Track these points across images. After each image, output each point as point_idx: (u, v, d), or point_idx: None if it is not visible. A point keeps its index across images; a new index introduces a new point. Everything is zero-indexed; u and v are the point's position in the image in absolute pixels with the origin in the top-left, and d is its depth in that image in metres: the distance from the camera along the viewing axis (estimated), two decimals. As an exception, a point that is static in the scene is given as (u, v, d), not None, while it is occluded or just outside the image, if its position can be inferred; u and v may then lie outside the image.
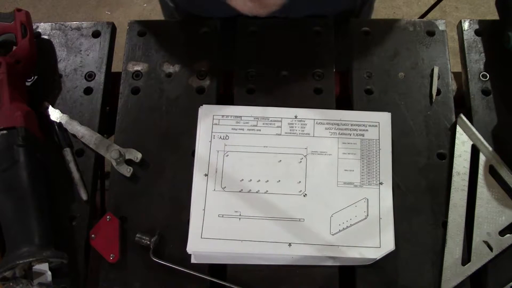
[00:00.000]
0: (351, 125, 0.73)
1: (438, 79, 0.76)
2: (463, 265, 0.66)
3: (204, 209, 0.69)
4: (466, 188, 0.69)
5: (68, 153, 0.73)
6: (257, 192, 0.70)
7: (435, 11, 1.19)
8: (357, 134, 0.73)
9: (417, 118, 0.74)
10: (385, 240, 0.67)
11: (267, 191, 0.70)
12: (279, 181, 0.70)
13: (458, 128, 0.73)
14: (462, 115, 0.73)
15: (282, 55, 0.79)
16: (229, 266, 0.68)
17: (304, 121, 0.74)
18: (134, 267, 0.68)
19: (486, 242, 0.67)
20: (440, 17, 0.86)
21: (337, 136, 0.73)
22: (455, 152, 0.71)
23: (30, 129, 0.70)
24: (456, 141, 0.72)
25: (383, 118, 0.74)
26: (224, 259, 0.68)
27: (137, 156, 0.72)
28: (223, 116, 0.74)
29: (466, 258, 0.67)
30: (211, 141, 0.73)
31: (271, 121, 0.74)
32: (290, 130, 0.73)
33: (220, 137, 0.73)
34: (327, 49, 0.79)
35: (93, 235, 0.68)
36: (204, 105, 0.75)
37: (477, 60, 0.78)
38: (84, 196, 0.71)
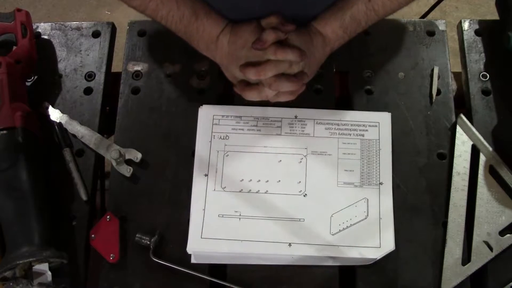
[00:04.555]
0: (351, 125, 0.73)
1: (438, 79, 0.76)
2: (463, 265, 0.66)
3: (204, 209, 0.69)
4: (466, 188, 0.69)
5: (68, 153, 0.73)
6: (257, 192, 0.70)
7: (435, 11, 1.19)
8: (357, 134, 0.73)
9: (417, 118, 0.74)
10: (385, 240, 0.67)
11: (267, 191, 0.70)
12: (279, 181, 0.70)
13: (458, 128, 0.73)
14: (462, 115, 0.73)
15: (282, 55, 0.79)
16: (229, 266, 0.68)
17: (304, 121, 0.74)
18: (134, 267, 0.68)
19: (486, 242, 0.67)
20: (440, 17, 0.86)
21: (337, 136, 0.73)
22: (455, 152, 0.71)
23: (30, 129, 0.70)
24: (456, 141, 0.72)
25: (383, 118, 0.74)
26: (224, 259, 0.68)
27: (137, 156, 0.72)
28: (223, 116, 0.74)
29: (466, 258, 0.67)
30: (211, 141, 0.73)
31: (271, 121, 0.74)
32: (290, 130, 0.73)
33: (220, 137, 0.73)
34: (327, 49, 0.79)
35: (93, 235, 0.68)
36: (204, 105, 0.75)
37: (477, 60, 0.78)
38: (84, 196, 0.71)
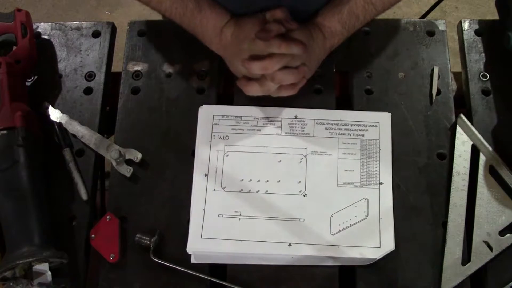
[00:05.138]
0: (351, 125, 0.73)
1: (438, 79, 0.76)
2: (463, 265, 0.66)
3: (204, 209, 0.69)
4: (466, 188, 0.69)
5: (68, 153, 0.73)
6: (257, 192, 0.70)
7: (435, 11, 1.20)
8: (357, 134, 0.73)
9: (417, 118, 0.74)
10: (385, 240, 0.67)
11: (267, 191, 0.70)
12: (279, 181, 0.70)
13: (458, 128, 0.73)
14: (462, 115, 0.73)
15: (282, 55, 0.79)
16: (229, 266, 0.68)
17: (304, 121, 0.74)
18: (134, 267, 0.68)
19: (486, 242, 0.67)
20: (440, 17, 0.86)
21: (337, 136, 0.73)
22: (455, 152, 0.71)
23: (30, 129, 0.70)
24: (456, 141, 0.72)
25: (383, 118, 0.74)
26: (224, 259, 0.68)
27: (137, 156, 0.72)
28: (223, 116, 0.74)
29: (466, 258, 0.67)
30: (211, 141, 0.73)
31: (271, 121, 0.74)
32: (290, 130, 0.73)
33: (220, 137, 0.73)
34: (327, 49, 0.79)
35: (93, 235, 0.68)
36: (204, 105, 0.75)
37: (477, 60, 0.78)
38: (84, 196, 0.71)
